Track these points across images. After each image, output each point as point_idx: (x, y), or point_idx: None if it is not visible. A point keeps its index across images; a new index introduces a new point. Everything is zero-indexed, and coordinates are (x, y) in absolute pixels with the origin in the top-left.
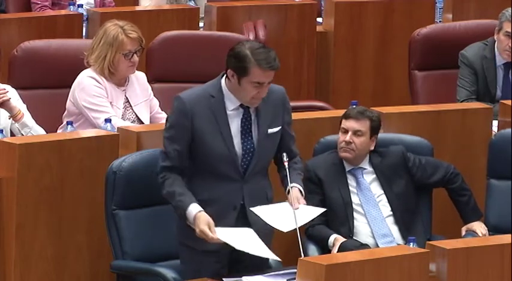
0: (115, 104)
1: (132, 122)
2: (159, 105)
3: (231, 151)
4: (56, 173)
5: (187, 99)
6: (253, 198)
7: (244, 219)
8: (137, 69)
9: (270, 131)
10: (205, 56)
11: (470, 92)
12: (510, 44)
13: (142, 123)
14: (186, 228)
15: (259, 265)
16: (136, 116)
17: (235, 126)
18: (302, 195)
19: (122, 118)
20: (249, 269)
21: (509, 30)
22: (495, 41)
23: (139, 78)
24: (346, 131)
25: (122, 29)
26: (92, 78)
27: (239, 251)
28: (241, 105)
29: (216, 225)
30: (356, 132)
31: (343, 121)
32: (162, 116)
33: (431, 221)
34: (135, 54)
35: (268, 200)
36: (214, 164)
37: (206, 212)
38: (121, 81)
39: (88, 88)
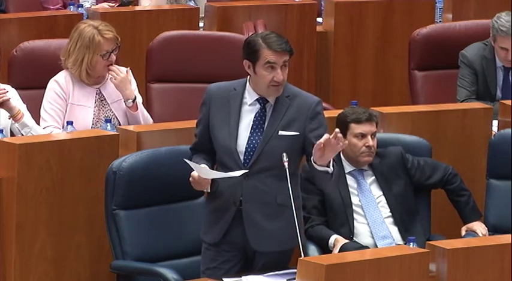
0: (84, 104)
1: (108, 119)
2: (161, 105)
3: (232, 143)
4: (56, 173)
5: (211, 88)
6: (252, 196)
7: (239, 218)
8: (137, 69)
9: (281, 132)
10: (205, 56)
11: (470, 92)
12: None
13: (119, 120)
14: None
15: (276, 263)
16: (113, 113)
17: (247, 120)
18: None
19: (98, 116)
20: (264, 268)
21: (504, 46)
22: None
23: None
24: (364, 136)
25: (97, 29)
26: (56, 82)
27: (252, 250)
28: (258, 101)
29: (219, 219)
30: (373, 135)
31: (355, 126)
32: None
33: (430, 221)
34: (112, 54)
35: (276, 205)
36: (220, 155)
37: (213, 205)
38: (98, 80)
39: (47, 92)
